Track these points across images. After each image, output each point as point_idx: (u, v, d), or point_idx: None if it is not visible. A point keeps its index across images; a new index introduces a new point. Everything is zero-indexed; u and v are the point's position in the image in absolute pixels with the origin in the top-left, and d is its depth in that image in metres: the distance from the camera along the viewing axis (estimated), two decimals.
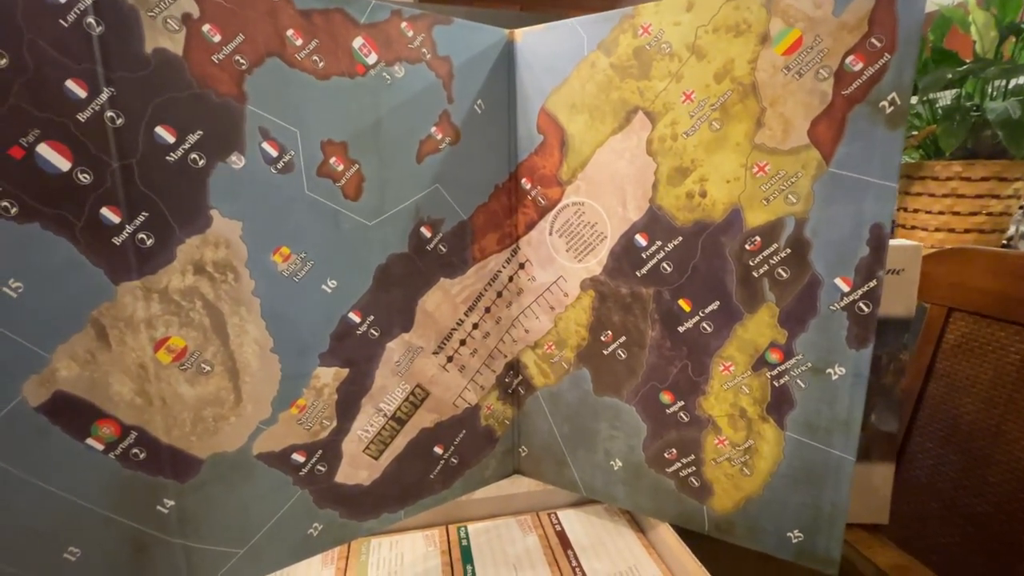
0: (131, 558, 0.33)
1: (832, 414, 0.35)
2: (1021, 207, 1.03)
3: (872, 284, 0.33)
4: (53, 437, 0.30)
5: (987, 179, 0.96)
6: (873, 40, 0.30)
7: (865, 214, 0.32)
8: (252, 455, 0.36)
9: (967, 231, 0.99)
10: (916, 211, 1.02)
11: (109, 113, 0.28)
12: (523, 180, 0.44)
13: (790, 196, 0.34)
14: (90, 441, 0.31)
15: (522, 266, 0.46)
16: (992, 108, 0.89)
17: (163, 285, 0.31)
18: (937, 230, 1.03)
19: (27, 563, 0.30)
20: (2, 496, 0.29)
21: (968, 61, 0.97)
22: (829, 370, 0.35)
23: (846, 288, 0.33)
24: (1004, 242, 1.05)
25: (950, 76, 0.93)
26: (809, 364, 0.35)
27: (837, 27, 0.31)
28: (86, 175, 0.28)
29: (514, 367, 0.48)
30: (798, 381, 0.36)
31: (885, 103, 0.30)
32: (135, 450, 0.32)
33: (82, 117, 0.28)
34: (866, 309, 0.33)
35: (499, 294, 0.46)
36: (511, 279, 0.46)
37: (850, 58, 0.31)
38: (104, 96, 0.28)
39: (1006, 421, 0.56)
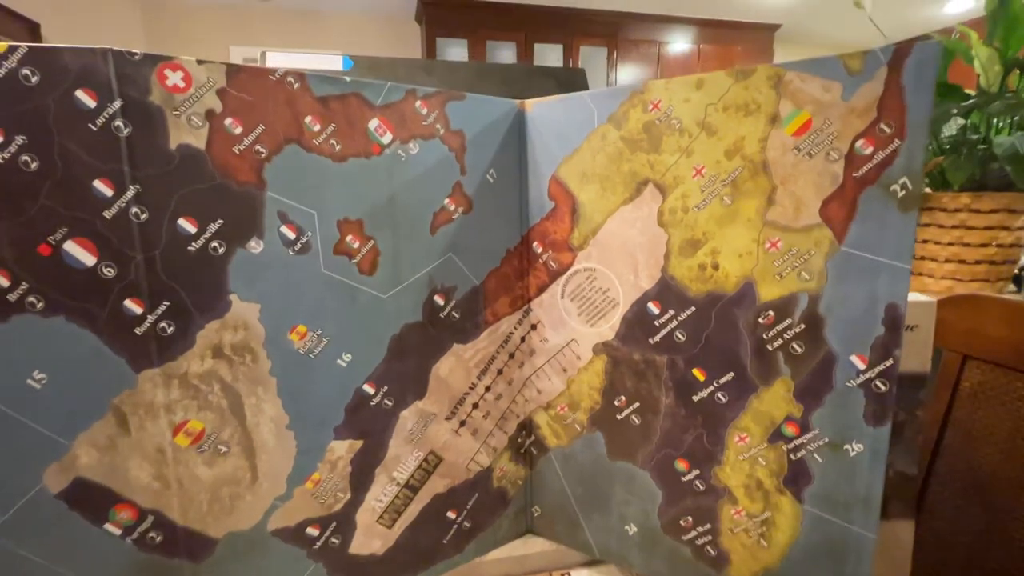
0: None
1: (851, 490, 0.35)
2: None
3: (888, 363, 0.32)
4: (72, 523, 0.30)
5: (996, 211, 0.95)
6: (882, 126, 0.31)
7: (879, 294, 0.32)
8: (267, 532, 0.36)
9: (978, 262, 0.98)
10: (925, 242, 1.01)
11: (134, 209, 0.29)
12: (535, 244, 0.44)
13: (803, 273, 0.34)
14: (108, 526, 0.31)
15: (534, 327, 0.46)
16: (999, 143, 0.89)
17: (183, 371, 0.32)
18: (947, 261, 1.02)
19: None
20: None
21: (972, 93, 0.97)
22: (847, 446, 0.34)
23: (862, 366, 0.33)
24: (1017, 272, 1.05)
25: (955, 112, 0.93)
26: (826, 439, 0.35)
27: (846, 111, 0.31)
28: (110, 269, 0.29)
29: (526, 427, 0.48)
30: (815, 456, 0.36)
31: (896, 187, 0.31)
32: (152, 534, 0.32)
33: (108, 214, 0.29)
34: (883, 388, 0.33)
35: (511, 355, 0.46)
36: (523, 340, 0.46)
37: (860, 142, 0.31)
38: (130, 193, 0.29)
39: None
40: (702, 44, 3.59)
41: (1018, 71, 0.95)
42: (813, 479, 0.36)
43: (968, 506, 0.58)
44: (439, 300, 0.41)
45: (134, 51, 0.28)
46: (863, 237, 0.32)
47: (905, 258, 0.31)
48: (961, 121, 1.00)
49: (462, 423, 0.44)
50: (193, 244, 0.31)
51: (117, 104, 0.28)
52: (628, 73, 3.51)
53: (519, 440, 0.47)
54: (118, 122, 0.28)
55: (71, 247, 0.28)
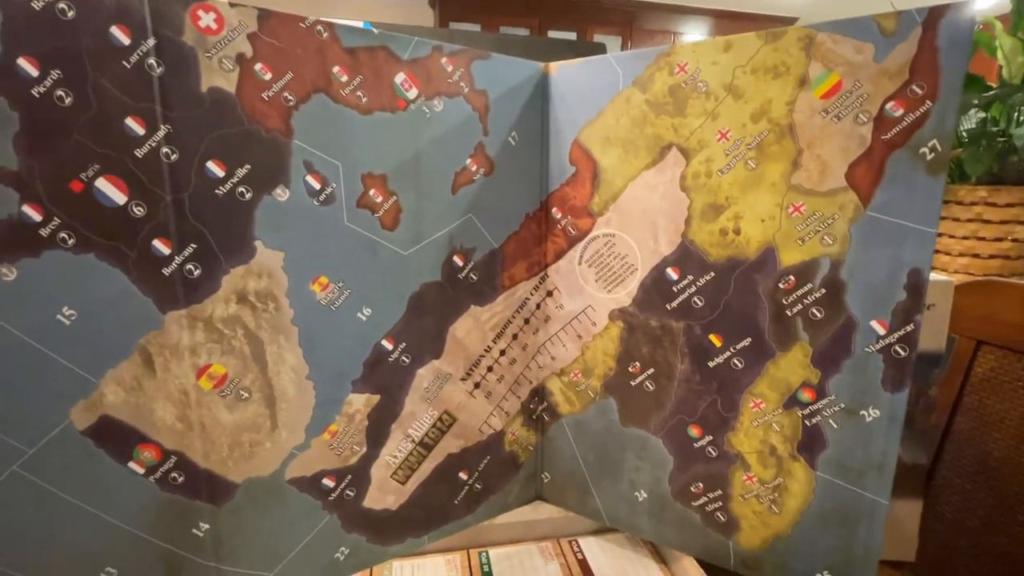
0: None
1: (866, 456, 0.35)
2: None
3: (909, 328, 0.32)
4: (97, 460, 0.31)
5: (1013, 205, 0.94)
6: (914, 87, 0.30)
7: (903, 259, 0.32)
8: (285, 479, 0.36)
9: (992, 256, 0.97)
10: (940, 235, 1.01)
11: (165, 149, 0.29)
12: (554, 210, 0.44)
13: (826, 238, 0.34)
14: (132, 464, 0.32)
15: (550, 293, 0.46)
16: (1020, 135, 0.88)
17: (207, 314, 0.32)
18: (961, 255, 1.02)
19: None
20: (46, 516, 0.30)
21: (993, 85, 0.96)
22: (863, 412, 0.35)
23: (882, 331, 0.33)
24: None
25: (976, 102, 0.92)
26: (842, 405, 0.35)
27: (878, 73, 0.31)
28: (140, 208, 0.29)
29: (539, 393, 0.48)
30: (831, 421, 0.36)
31: (926, 150, 0.31)
32: (174, 474, 0.33)
33: (139, 153, 0.29)
34: (902, 353, 0.33)
35: (527, 321, 0.46)
36: (538, 306, 0.46)
37: (890, 104, 0.31)
38: (161, 133, 0.29)
39: None
40: (717, 36, 3.55)
41: None
42: (828, 445, 0.36)
43: (976, 491, 0.58)
44: (458, 260, 0.41)
45: None
46: (889, 201, 0.32)
47: (931, 222, 0.31)
48: (981, 113, 0.99)
49: (476, 385, 0.44)
50: (221, 188, 0.31)
51: (151, 42, 0.28)
52: None
53: (531, 406, 0.48)
54: (151, 60, 0.28)
55: (103, 184, 0.29)
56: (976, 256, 0.99)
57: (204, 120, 0.30)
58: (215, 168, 0.31)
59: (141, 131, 0.29)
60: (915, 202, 0.31)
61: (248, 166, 0.32)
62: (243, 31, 0.30)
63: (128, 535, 0.32)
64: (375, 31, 0.35)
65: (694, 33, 3.53)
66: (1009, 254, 0.98)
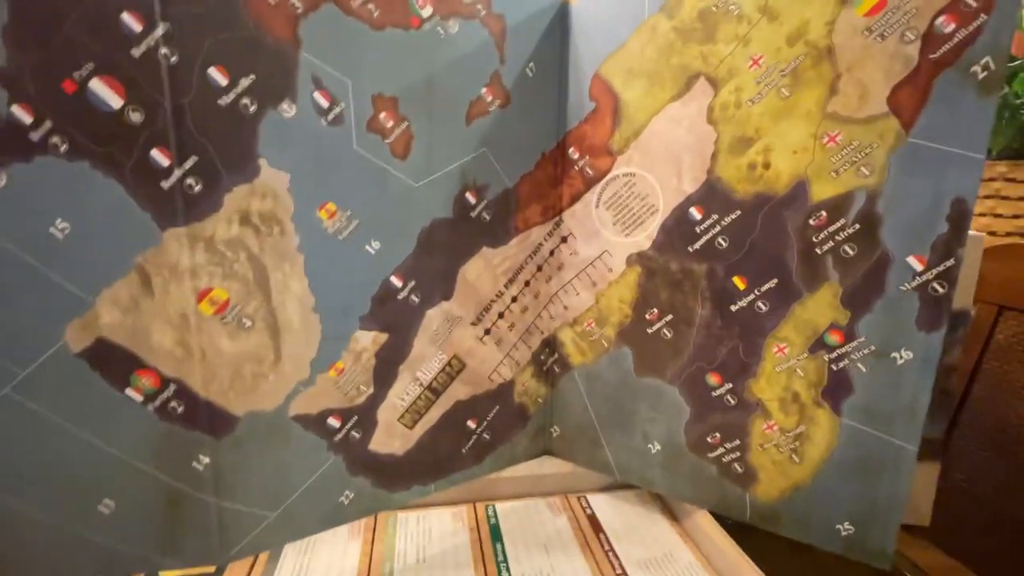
0: (164, 514, 0.32)
1: (895, 400, 0.33)
2: None
3: (950, 263, 0.31)
4: (93, 385, 0.29)
5: None
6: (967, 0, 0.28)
7: (947, 188, 0.30)
8: (288, 416, 0.35)
9: (1008, 234, 0.95)
10: None
11: (164, 50, 0.27)
12: (571, 150, 0.42)
13: (863, 168, 0.32)
14: (129, 391, 0.30)
15: (564, 240, 0.44)
16: None
17: (209, 234, 0.30)
18: (977, 232, 0.99)
19: (62, 512, 0.30)
20: (40, 443, 0.29)
21: (1017, 57, 0.93)
22: (894, 354, 0.33)
23: (920, 267, 0.31)
24: None
25: None
26: (872, 347, 0.34)
27: None
28: (138, 114, 0.28)
29: (550, 344, 0.46)
30: (859, 365, 0.34)
31: (978, 68, 0.29)
32: (173, 403, 0.31)
33: (136, 52, 0.27)
34: (940, 290, 0.31)
35: (539, 268, 0.44)
36: (552, 253, 0.45)
37: (941, 19, 0.29)
38: (159, 31, 0.27)
39: None
40: None
41: None
42: (854, 390, 0.35)
43: (992, 458, 0.57)
44: (470, 198, 0.39)
45: None
46: (933, 126, 0.30)
47: (979, 147, 0.29)
48: (1004, 87, 0.96)
49: (487, 331, 0.43)
50: (224, 98, 0.29)
51: None
52: None
53: (542, 357, 0.46)
54: None
55: (97, 85, 0.27)
56: (993, 233, 0.97)
57: (206, 20, 0.28)
58: (218, 75, 0.29)
59: (138, 27, 0.27)
60: (962, 125, 0.29)
61: (253, 76, 0.30)
62: None
63: (126, 466, 0.31)
64: None
65: None
66: None
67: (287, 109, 0.31)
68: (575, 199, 0.43)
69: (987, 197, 0.96)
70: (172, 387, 0.31)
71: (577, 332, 0.45)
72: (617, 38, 0.39)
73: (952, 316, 0.47)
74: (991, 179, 0.95)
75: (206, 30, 0.28)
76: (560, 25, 0.40)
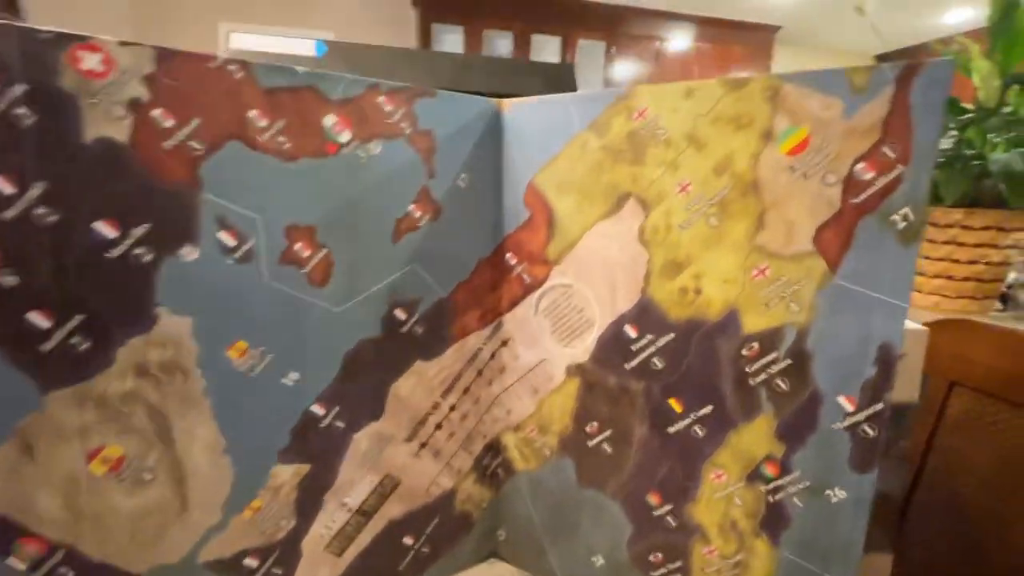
0: None
1: (830, 539, 0.32)
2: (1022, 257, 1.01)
3: (878, 407, 0.30)
4: None
5: (987, 228, 0.94)
6: (886, 149, 0.28)
7: (873, 332, 0.29)
8: (198, 563, 0.33)
9: (966, 279, 0.97)
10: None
11: (40, 209, 0.26)
12: (508, 255, 0.41)
13: (792, 304, 0.31)
14: (12, 560, 0.28)
15: (505, 343, 0.43)
16: (995, 159, 0.87)
17: (99, 391, 0.28)
18: (936, 276, 1.01)
19: None
20: None
21: (969, 108, 0.95)
22: (828, 491, 0.32)
23: (850, 408, 0.31)
24: (1004, 290, 1.03)
25: (952, 125, 0.92)
26: (807, 483, 0.33)
27: (847, 131, 0.29)
28: (12, 277, 0.25)
29: (494, 448, 0.45)
30: (795, 499, 0.33)
31: (897, 217, 0.28)
32: (62, 569, 0.29)
33: (9, 215, 0.25)
34: (870, 433, 0.30)
35: (479, 372, 0.43)
36: (493, 356, 0.43)
37: (860, 165, 0.29)
38: (35, 191, 0.25)
39: (1008, 505, 0.53)
40: (701, 43, 3.55)
41: (1017, 86, 0.94)
42: (791, 523, 0.34)
43: (947, 535, 0.57)
44: (400, 314, 0.38)
45: (44, 28, 0.25)
46: (858, 269, 0.29)
47: (902, 295, 0.28)
48: (956, 135, 0.98)
49: (423, 445, 0.41)
50: (113, 250, 0.27)
51: (19, 89, 0.24)
52: (625, 69, 3.47)
53: (485, 462, 0.45)
54: (20, 110, 0.24)
55: None
56: (950, 278, 0.99)
57: (90, 175, 0.26)
58: (105, 229, 0.27)
59: (10, 190, 0.25)
60: (885, 272, 0.29)
61: (147, 224, 0.28)
62: (137, 74, 0.27)
63: None
64: (299, 70, 0.31)
65: (678, 39, 3.52)
66: (983, 276, 0.97)
67: (188, 253, 0.29)
68: (514, 304, 0.42)
69: (944, 243, 0.98)
70: (61, 553, 0.29)
71: (520, 438, 0.44)
72: (549, 150, 0.38)
73: (896, 408, 0.47)
74: (948, 226, 0.97)
75: (90, 184, 0.26)
76: (493, 135, 0.39)
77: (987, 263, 0.95)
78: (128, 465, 0.30)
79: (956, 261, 0.97)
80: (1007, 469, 0.54)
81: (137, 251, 0.28)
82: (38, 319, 0.26)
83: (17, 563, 0.28)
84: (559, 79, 0.61)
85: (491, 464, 0.45)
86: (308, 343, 0.34)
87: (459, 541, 0.44)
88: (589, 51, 3.37)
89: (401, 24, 3.36)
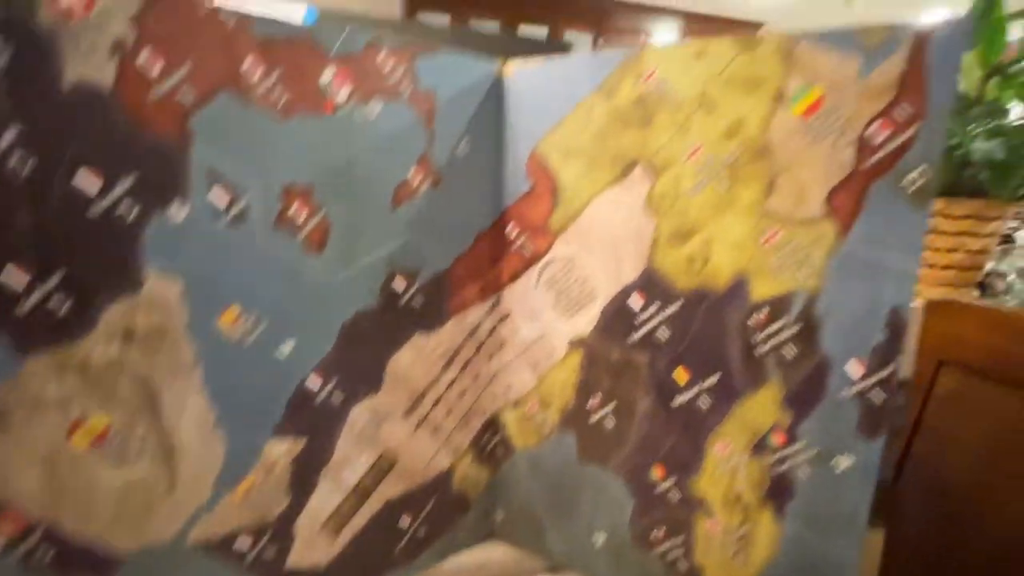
0: None
1: (836, 508, 0.32)
2: (1000, 245, 1.04)
3: (888, 371, 0.30)
4: None
5: (967, 217, 0.96)
6: (902, 107, 0.27)
7: (883, 297, 0.29)
8: (187, 544, 0.31)
9: (946, 267, 0.99)
10: None
11: (17, 154, 0.24)
12: (509, 227, 0.40)
13: (802, 269, 0.31)
14: None
15: (505, 318, 0.42)
16: (976, 149, 0.89)
17: (81, 358, 0.26)
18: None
19: None
20: None
21: None
22: (835, 459, 0.32)
23: (860, 373, 0.30)
24: (981, 280, 1.06)
25: None
26: (814, 451, 0.32)
27: (862, 90, 0.28)
28: None
29: (492, 426, 0.44)
30: (801, 468, 0.33)
31: (912, 177, 0.28)
32: (41, 548, 0.27)
33: None
34: (880, 398, 0.30)
35: (478, 348, 0.42)
36: (492, 331, 0.42)
37: (875, 125, 0.28)
38: (10, 135, 0.23)
39: (995, 484, 0.54)
40: (687, 38, 3.57)
41: (998, 77, 0.96)
42: (797, 493, 0.33)
43: (934, 514, 0.58)
44: (399, 285, 0.36)
45: None
46: (869, 234, 0.29)
47: (914, 259, 0.28)
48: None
49: (421, 421, 0.40)
50: (96, 205, 0.25)
51: None
52: None
53: (483, 440, 0.44)
54: None
55: None
56: (931, 266, 1.01)
57: (69, 121, 0.24)
58: (87, 180, 0.25)
59: None
60: (897, 235, 0.28)
61: (133, 177, 0.26)
62: (122, 14, 0.25)
63: None
64: (295, 22, 0.29)
65: (665, 34, 3.54)
66: (962, 265, 0.99)
67: (176, 212, 0.27)
68: (514, 277, 0.41)
69: (925, 232, 0.99)
70: (40, 531, 0.27)
71: (520, 414, 0.43)
72: (554, 116, 0.37)
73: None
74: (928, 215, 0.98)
75: (69, 131, 0.24)
76: (495, 100, 0.38)
77: (966, 251, 0.97)
78: (113, 438, 0.28)
79: (936, 250, 0.98)
80: (994, 447, 0.55)
81: (122, 206, 0.26)
82: (13, 276, 0.24)
83: None
84: None
85: (490, 442, 0.44)
86: (304, 311, 0.33)
87: (456, 522, 0.43)
88: (576, 44, 3.36)
89: (387, 9, 3.30)
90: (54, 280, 0.25)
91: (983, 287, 1.15)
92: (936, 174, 0.28)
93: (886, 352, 0.30)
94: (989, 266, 1.18)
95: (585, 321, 0.39)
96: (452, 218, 0.38)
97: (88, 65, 0.24)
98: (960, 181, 1.00)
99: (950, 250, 1.03)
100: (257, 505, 0.33)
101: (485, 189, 0.39)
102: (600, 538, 0.41)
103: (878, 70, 0.28)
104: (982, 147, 0.92)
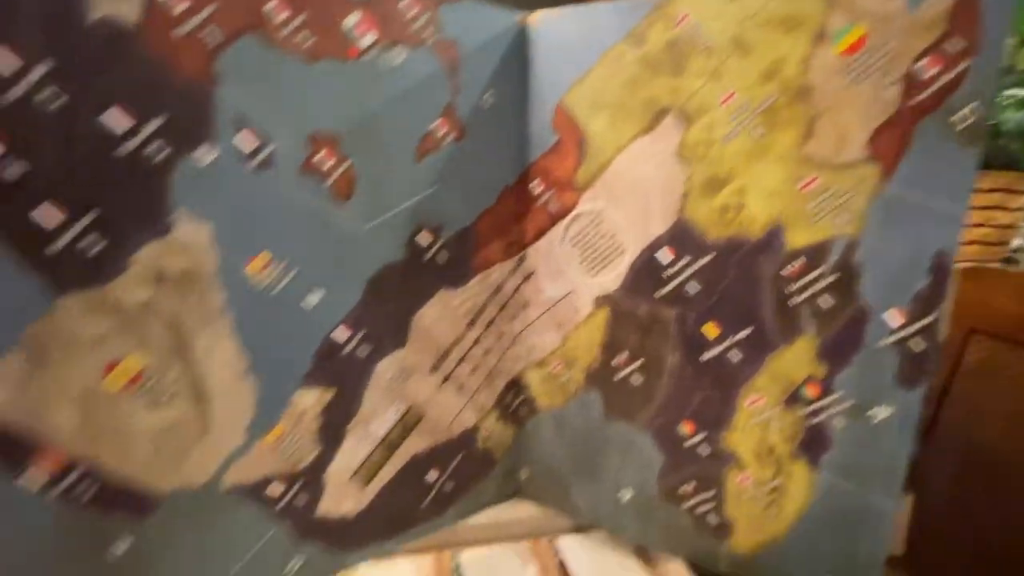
0: None
1: (874, 458, 0.32)
2: None
3: (930, 319, 0.29)
4: None
5: (996, 190, 0.93)
6: (952, 42, 0.26)
7: (928, 240, 0.28)
8: (221, 488, 0.31)
9: (971, 242, 0.96)
10: None
11: (48, 91, 0.23)
12: (534, 183, 0.39)
13: (841, 216, 0.30)
14: (24, 479, 0.26)
15: (529, 277, 0.42)
16: (1007, 119, 0.85)
17: (114, 298, 0.26)
18: None
19: None
20: None
21: None
22: (873, 410, 0.31)
23: (899, 322, 0.30)
24: (1008, 254, 1.03)
25: None
26: (850, 403, 0.32)
27: (910, 25, 0.27)
28: (18, 166, 0.23)
29: (516, 386, 0.44)
30: (836, 420, 0.32)
31: (961, 114, 0.27)
32: (81, 487, 0.27)
33: (12, 95, 0.23)
34: (921, 346, 0.29)
35: (503, 307, 0.42)
36: (516, 290, 0.42)
37: (923, 62, 0.27)
38: (40, 71, 0.23)
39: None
40: None
41: None
42: (832, 446, 0.33)
43: (963, 481, 0.57)
44: (424, 239, 0.36)
45: None
46: (914, 175, 0.28)
47: (962, 200, 0.27)
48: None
49: (446, 378, 0.40)
50: (125, 144, 0.25)
51: None
52: None
53: (507, 400, 0.44)
54: None
55: None
56: None
57: (97, 58, 0.24)
58: (117, 118, 0.25)
59: (14, 63, 0.23)
60: (944, 175, 0.27)
61: (161, 119, 0.26)
62: None
63: (24, 572, 0.27)
64: None
65: None
66: (989, 239, 0.97)
67: (204, 155, 0.27)
68: (539, 235, 0.40)
69: None
70: (79, 469, 0.27)
71: (544, 374, 0.43)
72: (581, 66, 0.36)
73: None
74: None
75: (98, 68, 0.24)
76: (520, 50, 0.37)
77: (994, 226, 0.94)
78: (147, 379, 0.28)
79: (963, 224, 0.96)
80: None
81: (152, 147, 0.26)
82: (47, 215, 0.24)
83: (31, 481, 0.26)
84: None
85: (513, 402, 0.44)
86: (332, 262, 0.32)
87: (482, 479, 0.44)
88: None
89: None
90: (87, 220, 0.25)
91: (1008, 262, 1.12)
92: (989, 113, 0.26)
93: (929, 299, 0.29)
94: (1016, 242, 1.15)
95: (612, 278, 0.38)
96: (477, 172, 0.37)
97: (114, 0, 0.24)
98: (990, 152, 0.97)
99: (977, 224, 1.00)
100: (288, 453, 0.33)
101: (510, 143, 0.38)
102: (627, 495, 0.41)
103: (928, 2, 0.26)
104: (1014, 117, 0.89)
